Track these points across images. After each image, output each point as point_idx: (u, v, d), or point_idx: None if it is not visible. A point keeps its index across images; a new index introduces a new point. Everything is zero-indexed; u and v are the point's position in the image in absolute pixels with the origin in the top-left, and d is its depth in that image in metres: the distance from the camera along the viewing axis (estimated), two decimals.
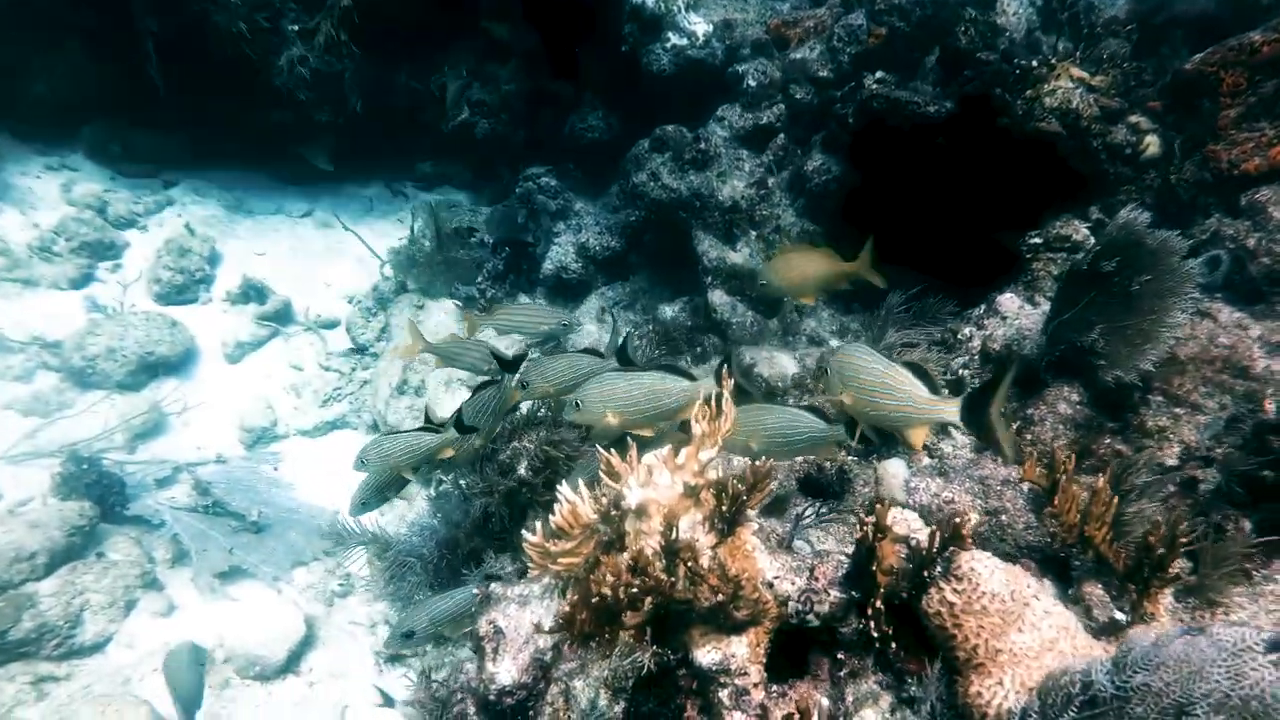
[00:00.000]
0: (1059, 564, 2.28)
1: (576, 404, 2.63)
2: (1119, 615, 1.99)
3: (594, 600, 1.58)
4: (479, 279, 6.65)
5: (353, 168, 8.08)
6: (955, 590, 1.80)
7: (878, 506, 1.83)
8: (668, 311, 5.31)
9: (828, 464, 2.89)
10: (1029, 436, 2.71)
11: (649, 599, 1.61)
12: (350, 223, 7.70)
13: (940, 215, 4.19)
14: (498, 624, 2.01)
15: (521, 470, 3.35)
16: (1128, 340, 2.62)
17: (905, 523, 2.06)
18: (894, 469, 2.53)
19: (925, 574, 1.83)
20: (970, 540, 1.80)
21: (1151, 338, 2.60)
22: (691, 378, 2.51)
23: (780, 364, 4.39)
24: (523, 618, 2.01)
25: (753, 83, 5.61)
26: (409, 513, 4.99)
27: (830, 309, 4.87)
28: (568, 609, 1.62)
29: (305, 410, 6.14)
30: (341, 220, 7.44)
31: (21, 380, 5.53)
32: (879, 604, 1.81)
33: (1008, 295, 3.47)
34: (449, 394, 6.15)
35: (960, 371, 3.18)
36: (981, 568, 1.81)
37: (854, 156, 4.76)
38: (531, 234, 6.60)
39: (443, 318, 6.71)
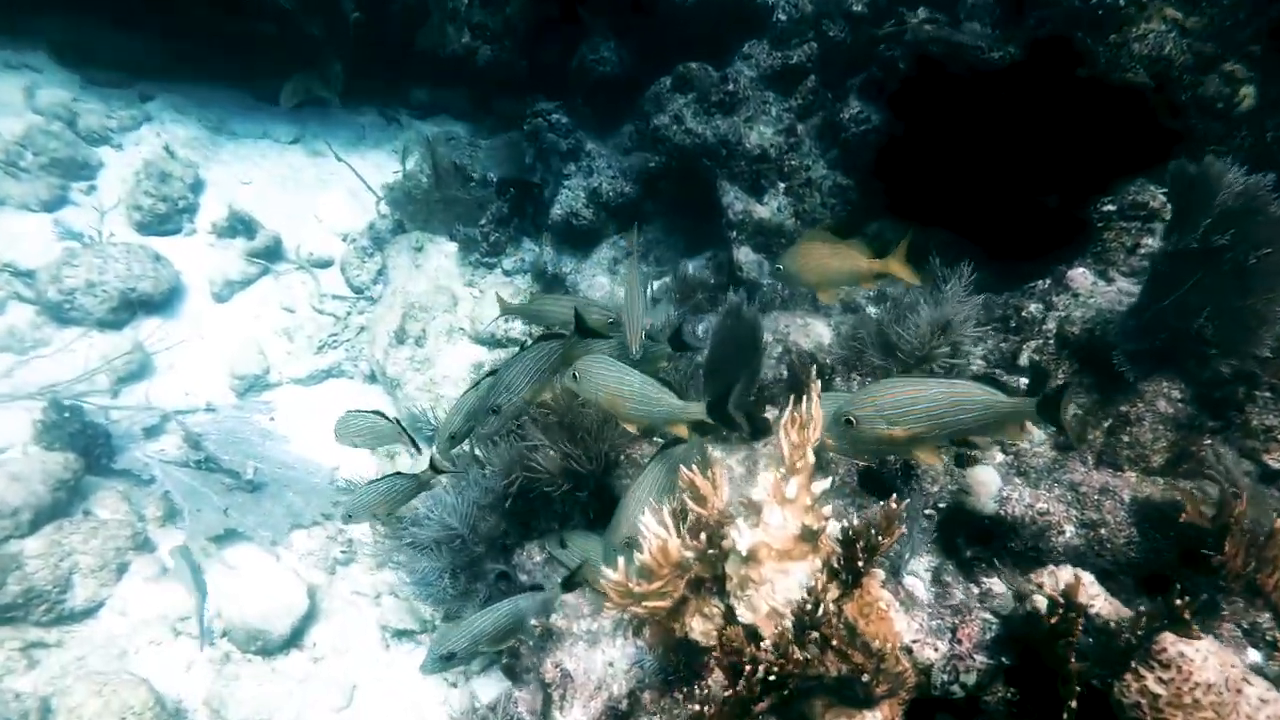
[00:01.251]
0: (1161, 582, 2.10)
1: (574, 376, 2.50)
2: None
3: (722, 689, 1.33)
4: (482, 221, 6.27)
5: (343, 92, 7.55)
6: (1160, 679, 1.56)
7: (1069, 581, 1.58)
8: (690, 267, 5.02)
9: (890, 457, 2.69)
10: (1125, 439, 2.50)
11: (786, 680, 1.39)
12: (342, 152, 7.23)
13: (995, 175, 3.90)
14: (564, 666, 1.80)
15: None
16: (1242, 324, 2.39)
17: (1084, 589, 1.78)
18: (985, 477, 2.32)
19: (1124, 660, 1.58)
20: (1195, 628, 1.54)
21: (1267, 319, 2.37)
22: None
23: (816, 332, 4.14)
24: (593, 659, 1.80)
25: (783, 16, 5.20)
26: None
27: None
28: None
29: (299, 356, 5.82)
30: (334, 150, 6.97)
31: None
32: (1074, 705, 1.55)
33: (1079, 270, 3.23)
34: (450, 344, 5.87)
35: (1033, 357, 2.96)
36: (1193, 653, 1.57)
37: (897, 105, 4.43)
38: (539, 175, 6.22)
39: (443, 261, 6.36)
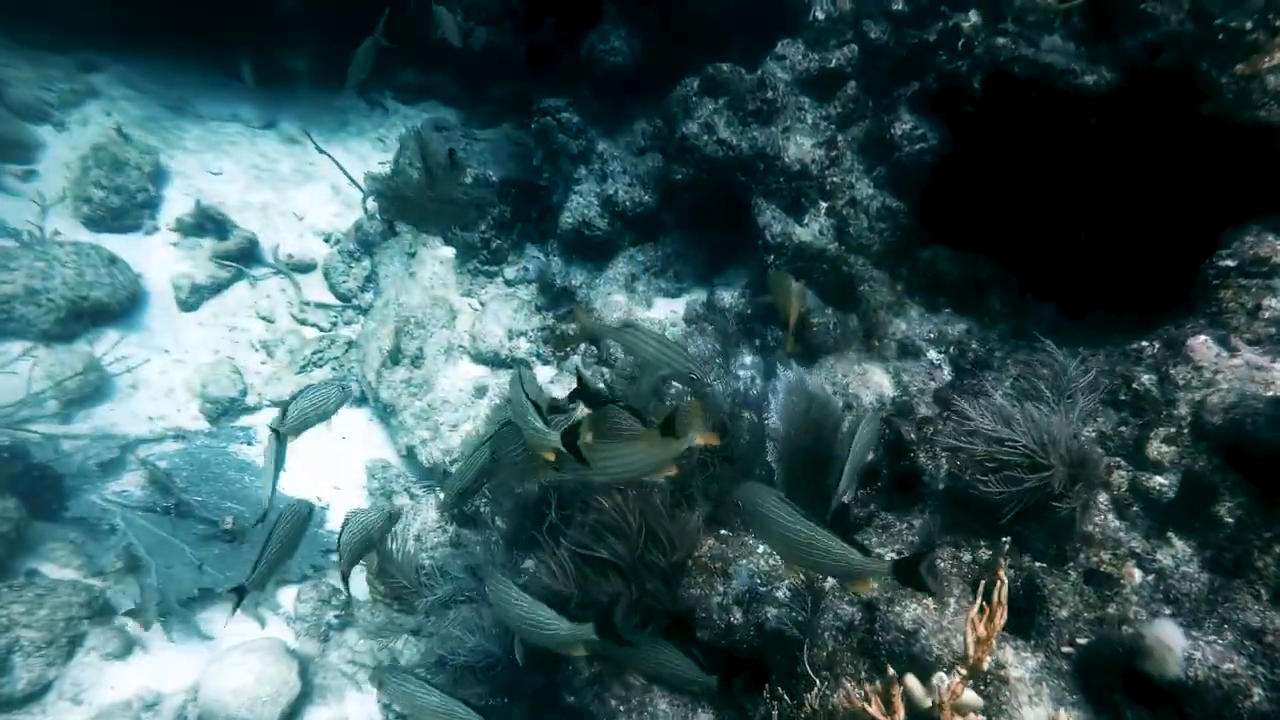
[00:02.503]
0: None
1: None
2: None
3: None
4: (482, 226, 5.71)
5: (322, 72, 6.88)
6: None
7: None
8: (726, 298, 4.56)
9: (1011, 572, 2.28)
10: None
11: None
12: (323, 141, 6.58)
13: (1083, 214, 3.49)
14: None
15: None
16: None
17: None
18: (1168, 635, 1.90)
19: None
20: None
21: None
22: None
23: (875, 381, 3.72)
24: None
25: (821, 15, 4.69)
26: (417, 523, 4.27)
27: (921, 308, 4.18)
28: None
29: (279, 375, 5.25)
30: (315, 142, 6.32)
31: None
32: None
33: (1200, 339, 2.83)
34: (449, 364, 5.34)
35: (1164, 450, 2.55)
36: None
37: (964, 126, 3.97)
38: (546, 176, 5.67)
39: (438, 268, 5.80)
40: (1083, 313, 3.76)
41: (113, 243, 5.37)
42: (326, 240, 6.06)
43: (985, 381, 3.31)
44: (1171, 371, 2.82)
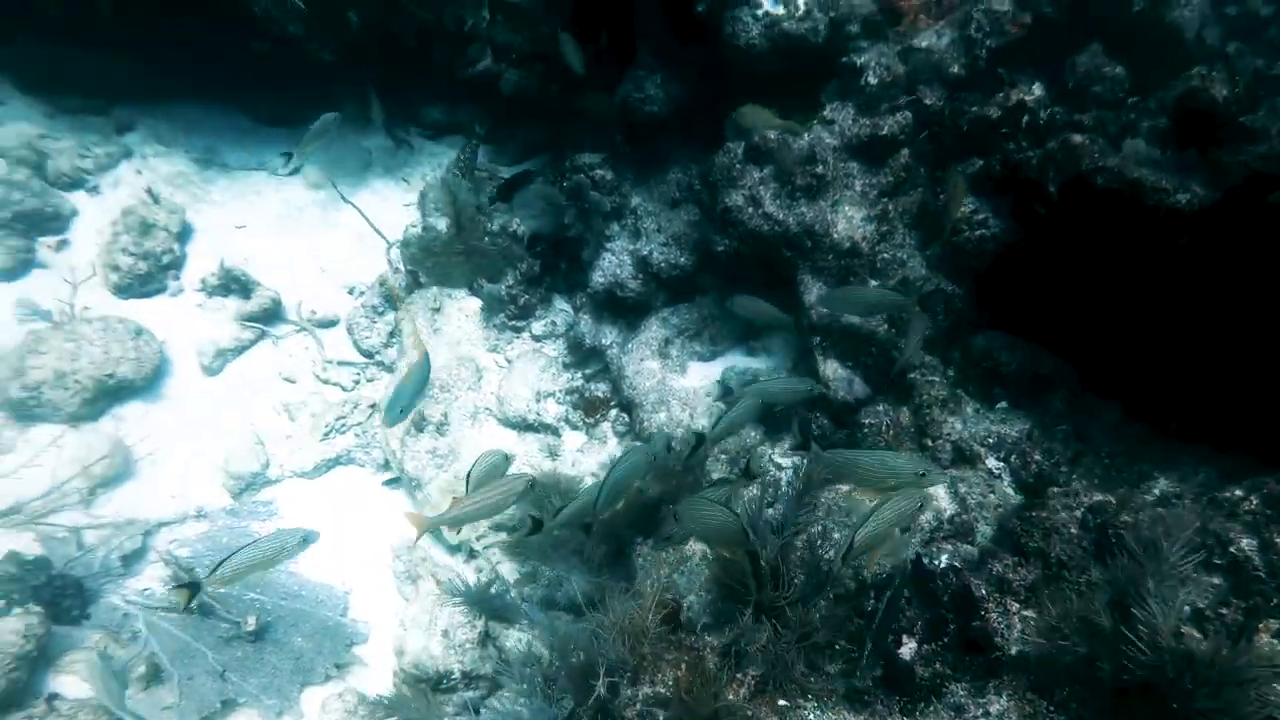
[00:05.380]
0: None
1: None
2: None
3: None
4: (509, 280, 5.51)
5: (347, 111, 6.68)
6: None
7: None
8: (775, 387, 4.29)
9: None
10: None
11: None
12: (348, 183, 6.42)
13: (1161, 333, 3.19)
14: None
15: None
16: None
17: None
18: None
19: None
20: None
21: None
22: None
23: (930, 494, 3.46)
24: None
25: (873, 80, 4.38)
26: (445, 618, 4.12)
27: (975, 402, 3.90)
28: None
29: (302, 443, 5.11)
30: (340, 192, 6.15)
31: None
32: None
33: None
34: (475, 429, 5.17)
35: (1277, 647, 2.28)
36: None
37: (1031, 221, 3.65)
38: (575, 229, 5.44)
39: (463, 322, 5.62)
40: (1150, 421, 3.48)
41: (139, 308, 5.28)
42: (350, 293, 5.90)
43: (1056, 516, 3.05)
44: (1277, 539, 2.53)
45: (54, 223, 5.32)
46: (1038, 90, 3.95)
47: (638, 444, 4.00)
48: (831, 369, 4.11)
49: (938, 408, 3.83)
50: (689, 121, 5.50)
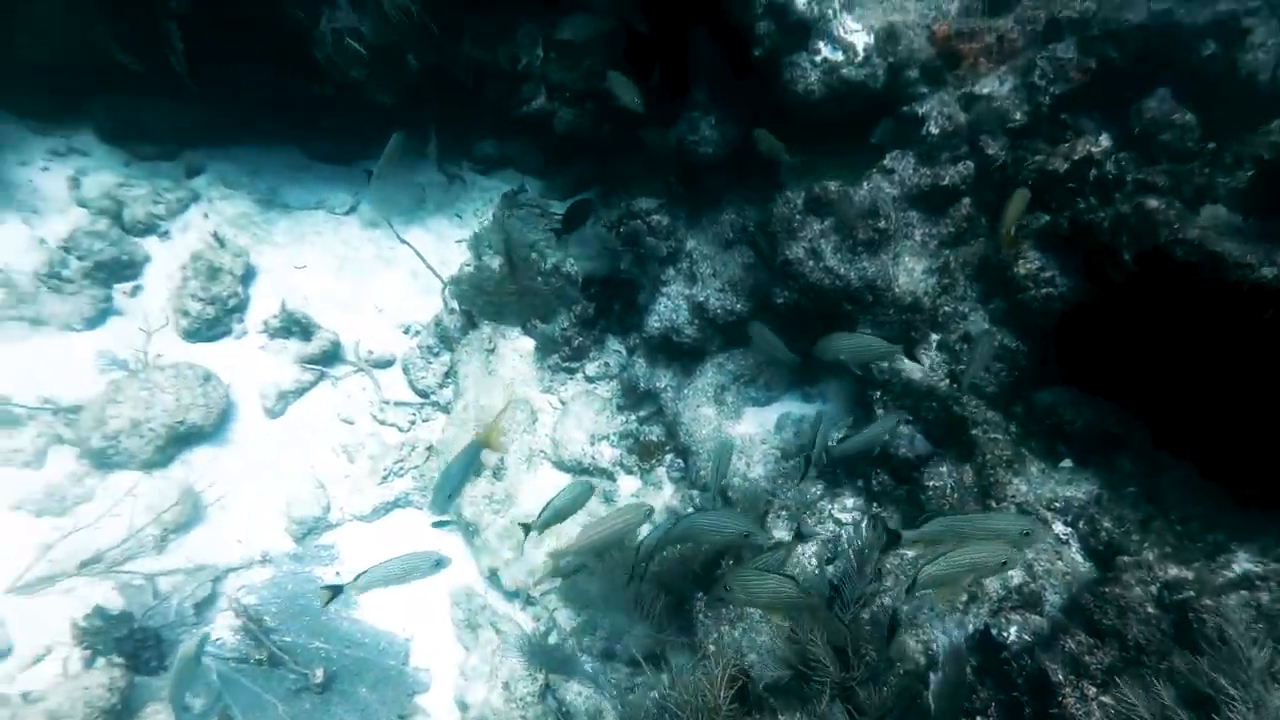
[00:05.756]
0: None
1: None
2: None
3: None
4: (564, 322, 5.55)
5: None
6: None
7: None
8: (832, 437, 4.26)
9: None
10: None
11: None
12: (402, 220, 6.53)
13: (1240, 396, 3.10)
14: None
15: None
16: None
17: None
18: None
19: None
20: None
21: None
22: None
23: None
24: None
25: (935, 130, 4.33)
26: (505, 669, 4.17)
27: (1040, 461, 3.83)
28: None
29: (361, 487, 5.21)
30: (396, 231, 6.26)
31: (32, 466, 4.61)
32: None
33: None
34: (531, 473, 5.23)
35: None
36: None
37: (1104, 284, 3.58)
38: (632, 274, 5.46)
39: (517, 362, 5.68)
40: (1226, 484, 3.39)
41: (206, 352, 5.43)
42: (406, 332, 5.99)
43: (1130, 593, 3.00)
44: None
45: (129, 269, 5.50)
46: (1105, 141, 3.87)
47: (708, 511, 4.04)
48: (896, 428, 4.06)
49: (1002, 468, 3.77)
50: (741, 159, 5.50)
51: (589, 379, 5.60)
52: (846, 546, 4.02)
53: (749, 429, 4.94)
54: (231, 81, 5.88)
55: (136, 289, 5.54)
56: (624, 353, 5.64)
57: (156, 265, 5.68)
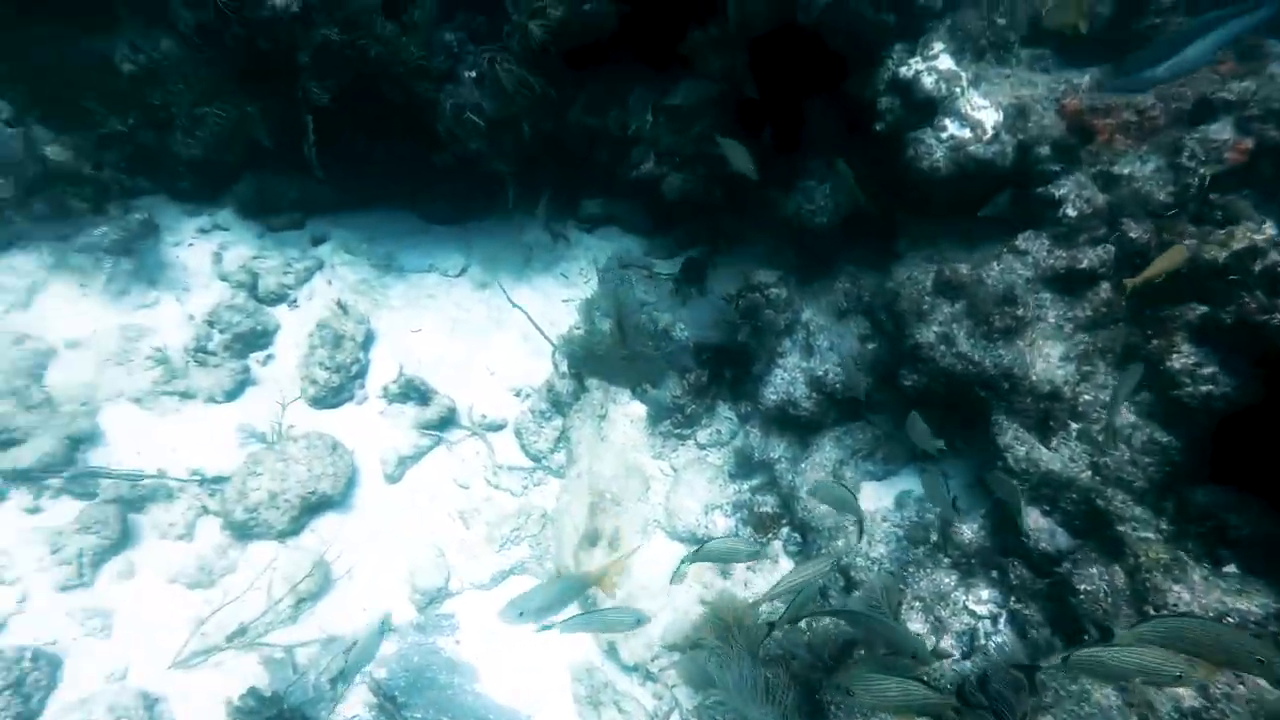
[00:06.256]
0: None
1: None
2: None
3: None
4: (677, 390, 5.56)
5: (508, 204, 6.94)
6: None
7: None
8: (966, 532, 4.16)
9: None
10: None
11: None
12: (509, 278, 6.67)
13: None
14: None
15: None
16: None
17: None
18: None
19: None
20: None
21: None
22: None
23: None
24: None
25: (1071, 211, 4.21)
26: None
27: (1200, 566, 3.65)
28: None
29: (478, 554, 5.31)
30: (508, 295, 6.40)
31: (185, 539, 4.84)
32: None
33: None
34: (646, 542, 5.23)
35: None
36: None
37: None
38: (748, 345, 5.44)
39: (628, 428, 5.71)
40: None
41: (331, 418, 5.63)
42: (517, 395, 6.10)
43: None
44: None
45: (262, 339, 5.77)
46: (1269, 230, 3.69)
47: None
48: (1035, 519, 3.94)
49: (1159, 572, 3.60)
50: (852, 226, 5.46)
51: (700, 446, 5.60)
52: (985, 640, 3.92)
53: (868, 505, 4.85)
54: (357, 156, 6.13)
55: (268, 358, 5.79)
56: (735, 420, 5.62)
57: (286, 333, 5.93)
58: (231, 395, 5.46)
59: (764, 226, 6.11)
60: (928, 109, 4.58)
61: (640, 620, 3.41)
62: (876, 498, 4.93)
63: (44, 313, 5.63)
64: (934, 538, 4.27)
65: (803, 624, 4.46)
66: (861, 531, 4.42)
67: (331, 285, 6.23)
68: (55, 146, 6.02)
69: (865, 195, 4.94)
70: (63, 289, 5.77)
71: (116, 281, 5.87)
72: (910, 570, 4.21)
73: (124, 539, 4.74)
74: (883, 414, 5.04)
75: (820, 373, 5.00)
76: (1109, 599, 3.57)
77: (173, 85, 5.95)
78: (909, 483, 4.94)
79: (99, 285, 5.85)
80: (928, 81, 4.52)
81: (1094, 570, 3.68)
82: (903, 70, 4.64)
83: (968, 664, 3.86)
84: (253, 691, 4.01)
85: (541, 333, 6.23)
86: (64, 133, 6.15)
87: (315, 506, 5.12)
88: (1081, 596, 3.61)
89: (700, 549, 3.74)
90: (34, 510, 4.74)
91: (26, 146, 5.74)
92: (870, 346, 5.02)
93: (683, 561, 3.97)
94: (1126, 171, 4.16)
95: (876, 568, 4.36)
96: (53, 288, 5.75)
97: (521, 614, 3.51)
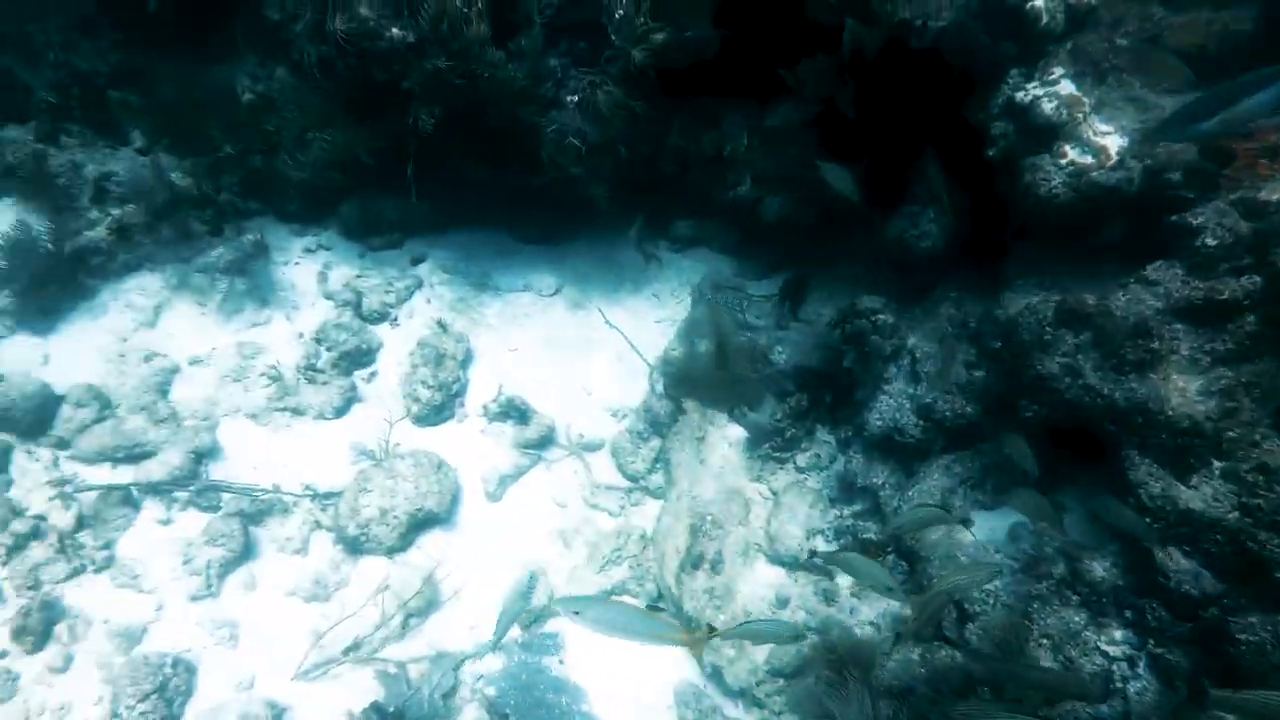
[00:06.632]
0: None
1: None
2: None
3: None
4: (777, 413, 5.54)
5: (600, 224, 7.02)
6: None
7: None
8: (1097, 570, 4.04)
9: None
10: None
11: None
12: (601, 299, 6.74)
13: None
14: None
15: None
16: None
17: None
18: None
19: None
20: None
21: None
22: None
23: None
24: None
25: (1211, 241, 4.05)
26: None
27: None
28: None
29: (580, 574, 5.35)
30: (605, 316, 6.47)
31: (300, 553, 5.01)
32: None
33: None
34: (747, 566, 5.22)
35: None
36: None
37: None
38: (851, 371, 5.39)
39: (727, 451, 5.71)
40: None
41: (432, 436, 5.75)
42: (614, 415, 6.14)
43: None
44: None
45: (366, 357, 5.93)
46: None
47: None
48: (1175, 559, 3.79)
49: None
50: (963, 256, 5.37)
51: (799, 469, 5.56)
52: (1121, 683, 3.79)
53: (980, 535, 4.74)
54: (455, 178, 6.28)
55: (372, 375, 5.96)
56: (834, 445, 5.57)
57: (388, 351, 6.09)
58: (340, 412, 5.63)
59: (857, 250, 6.07)
60: (1046, 134, 4.49)
61: (799, 636, 3.86)
62: (988, 528, 4.82)
63: (169, 331, 5.89)
64: (1059, 571, 4.14)
65: (916, 655, 4.40)
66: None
67: (430, 304, 6.38)
68: (179, 172, 6.32)
69: (955, 211, 4.86)
70: (184, 308, 6.04)
71: (231, 300, 6.11)
72: (1035, 606, 4.09)
73: (246, 552, 4.91)
74: (991, 443, 4.94)
75: (929, 400, 4.92)
76: (1276, 650, 3.41)
77: (287, 113, 6.19)
78: (1020, 516, 4.81)
79: (215, 304, 6.10)
80: (1047, 107, 4.43)
81: (1254, 619, 3.52)
82: (1019, 95, 4.56)
83: (1105, 708, 3.73)
84: (375, 706, 4.12)
85: (639, 353, 6.28)
86: (186, 159, 6.46)
87: (422, 523, 5.22)
88: (1243, 647, 3.46)
89: (740, 626, 3.90)
90: (165, 522, 4.95)
91: (156, 174, 6.03)
92: (977, 374, 4.92)
93: (716, 633, 4.29)
94: (1275, 198, 4.00)
95: (993, 600, 4.25)
96: (176, 307, 6.02)
97: (577, 614, 3.57)
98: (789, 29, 5.54)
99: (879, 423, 5.08)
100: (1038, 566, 4.35)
